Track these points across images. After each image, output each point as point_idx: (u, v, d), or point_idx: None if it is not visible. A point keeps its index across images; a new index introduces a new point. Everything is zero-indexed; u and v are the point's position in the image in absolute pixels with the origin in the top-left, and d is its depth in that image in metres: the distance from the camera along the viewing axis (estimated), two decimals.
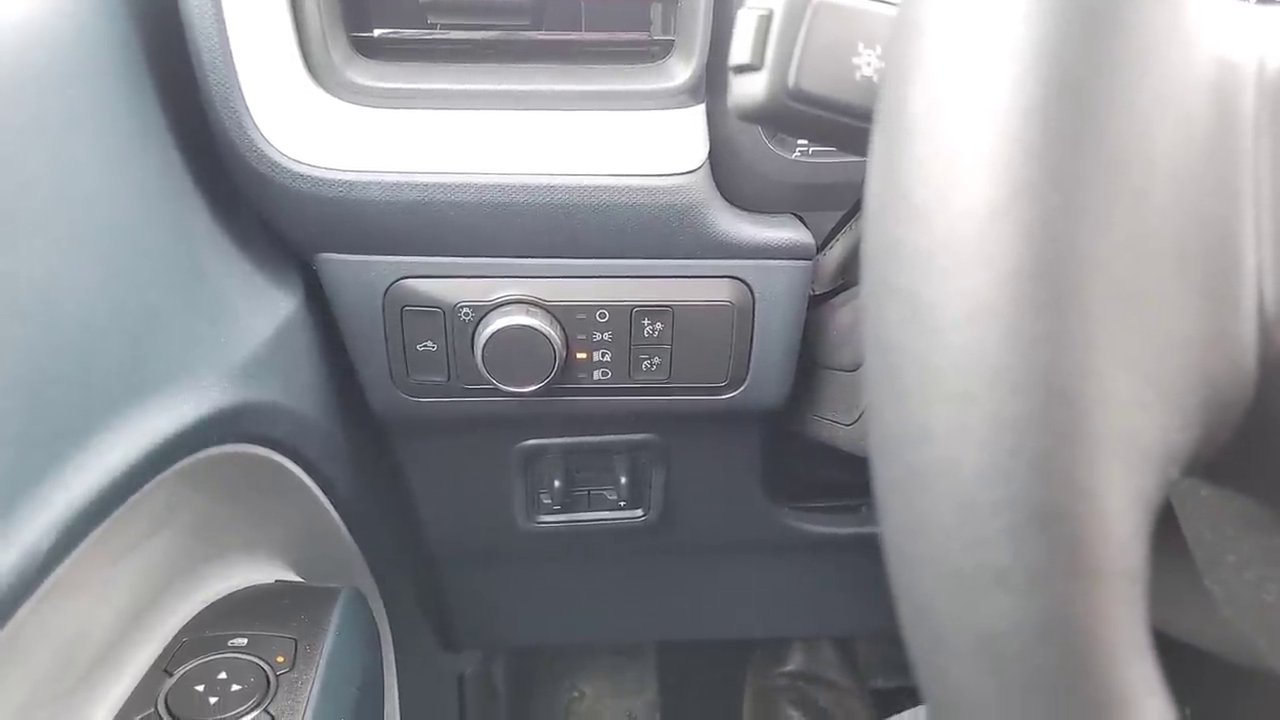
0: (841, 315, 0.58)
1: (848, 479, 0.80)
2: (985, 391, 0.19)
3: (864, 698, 1.18)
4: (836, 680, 1.18)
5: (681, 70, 0.51)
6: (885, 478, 0.21)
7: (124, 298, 0.40)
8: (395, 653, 0.76)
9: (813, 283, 0.58)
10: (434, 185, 0.51)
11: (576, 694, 1.24)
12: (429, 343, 0.56)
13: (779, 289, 0.56)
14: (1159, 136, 0.20)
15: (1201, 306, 0.21)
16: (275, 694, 0.49)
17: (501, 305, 0.55)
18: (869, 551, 0.83)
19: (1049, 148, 0.19)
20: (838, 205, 0.57)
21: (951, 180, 0.19)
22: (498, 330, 0.54)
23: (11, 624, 0.33)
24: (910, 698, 1.25)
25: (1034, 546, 0.18)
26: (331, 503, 0.60)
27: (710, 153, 0.53)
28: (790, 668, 1.19)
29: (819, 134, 0.33)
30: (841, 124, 0.32)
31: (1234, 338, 0.22)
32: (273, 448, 0.52)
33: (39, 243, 0.34)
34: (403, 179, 0.51)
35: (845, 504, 0.81)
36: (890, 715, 1.18)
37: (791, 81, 0.30)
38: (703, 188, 0.53)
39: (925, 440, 0.19)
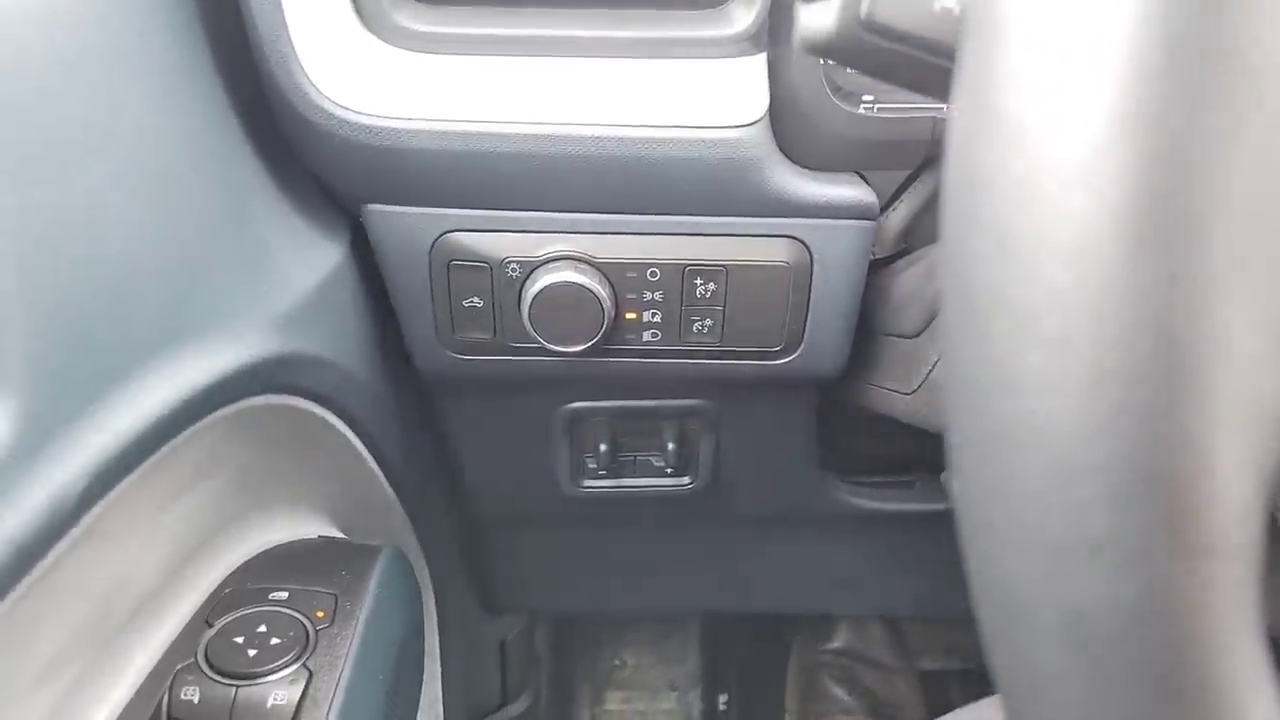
0: (904, 280, 0.56)
1: (902, 453, 0.78)
2: (1087, 337, 0.16)
3: (911, 679, 1.16)
4: (883, 660, 1.16)
5: (743, 16, 0.49)
6: (964, 434, 0.19)
7: (167, 240, 0.39)
8: (438, 615, 0.75)
9: (874, 246, 0.56)
10: (483, 134, 0.49)
11: (619, 662, 1.24)
12: (475, 299, 0.54)
13: (839, 250, 0.54)
14: None
15: None
16: (314, 649, 0.49)
17: (550, 261, 0.53)
18: (922, 530, 0.81)
19: (1171, 58, 0.16)
20: (903, 164, 0.54)
21: (1054, 95, 0.17)
22: (545, 287, 0.52)
23: (49, 567, 0.33)
24: (959, 681, 1.22)
25: (1137, 516, 0.16)
26: (375, 459, 0.59)
27: (771, 105, 0.51)
28: (836, 645, 1.17)
29: (891, 71, 0.31)
30: (917, 60, 0.30)
31: None
32: (316, 401, 0.51)
33: (80, 177, 0.34)
34: (451, 127, 0.49)
35: (899, 479, 0.78)
36: (937, 697, 1.16)
37: (865, 11, 0.28)
38: (762, 142, 0.51)
39: (1013, 391, 0.17)
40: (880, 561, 0.87)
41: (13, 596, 0.29)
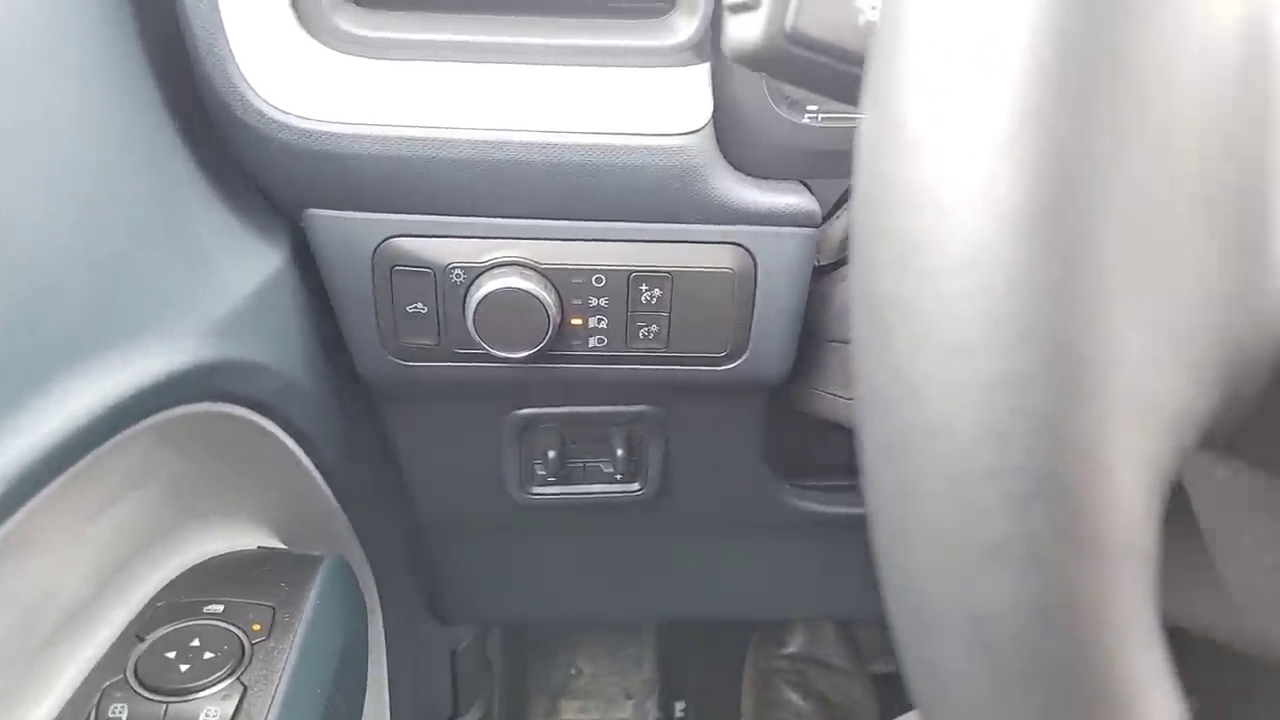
0: (846, 287, 0.56)
1: (851, 457, 0.78)
2: (982, 344, 0.16)
3: (864, 681, 1.17)
4: (837, 663, 1.16)
5: (685, 26, 0.49)
6: (870, 441, 0.19)
7: (94, 244, 0.38)
8: (385, 625, 0.74)
9: (817, 253, 0.56)
10: (426, 140, 0.49)
11: (574, 671, 1.23)
12: (419, 304, 0.54)
13: (783, 257, 0.54)
14: (1184, 67, 0.18)
15: (1226, 257, 0.19)
16: (250, 663, 0.47)
17: (494, 267, 0.53)
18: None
19: (1063, 72, 0.16)
20: (846, 173, 0.54)
21: (951, 106, 0.17)
22: (490, 293, 0.52)
23: None
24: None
25: (1034, 518, 0.16)
26: (317, 468, 0.58)
27: (714, 114, 0.51)
28: (790, 650, 1.18)
29: (816, 81, 0.31)
30: (841, 72, 0.30)
31: (1261, 294, 0.19)
32: (254, 409, 0.50)
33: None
34: (393, 132, 0.49)
35: (848, 483, 0.79)
36: (891, 699, 1.17)
37: (789, 23, 0.28)
38: (705, 149, 0.51)
39: (914, 399, 0.17)
40: (832, 565, 0.88)
41: None
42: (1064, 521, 0.16)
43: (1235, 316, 0.19)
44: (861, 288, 0.19)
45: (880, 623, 1.07)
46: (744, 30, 0.28)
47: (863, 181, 0.19)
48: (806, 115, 0.51)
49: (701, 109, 0.50)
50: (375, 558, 0.69)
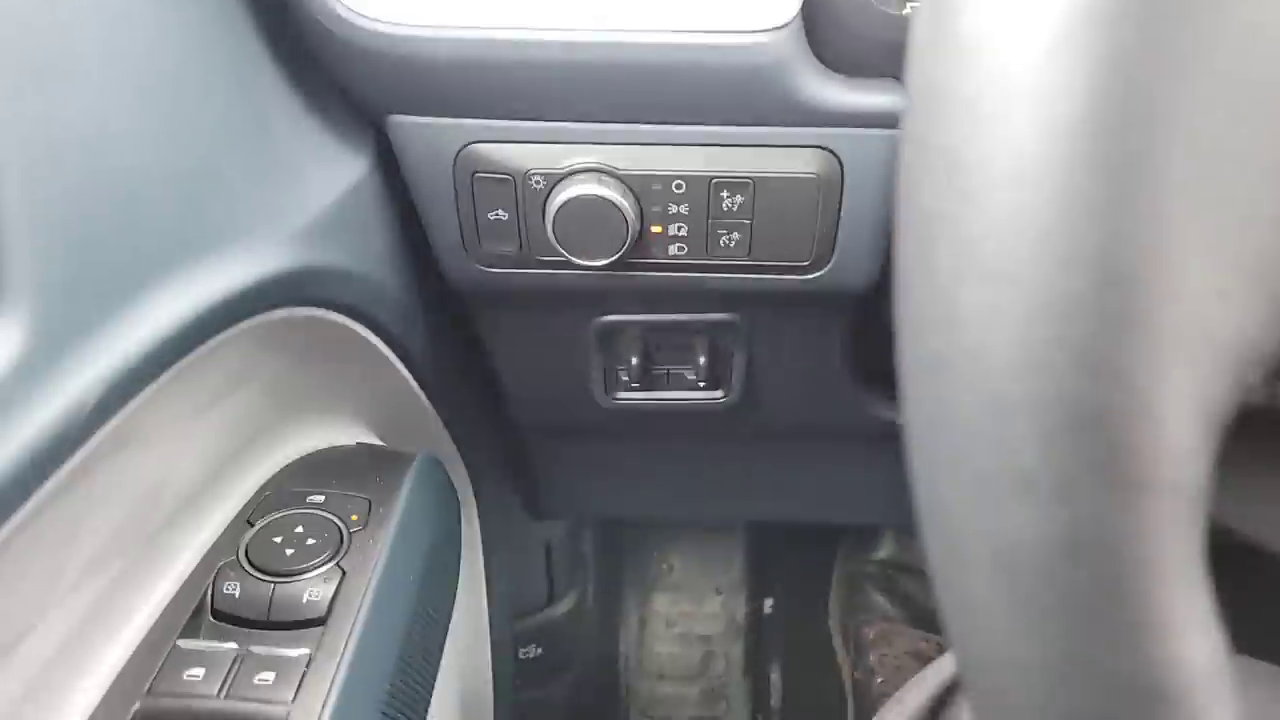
0: None
1: None
2: (1024, 267, 0.16)
3: None
4: (925, 569, 1.16)
5: None
6: (908, 365, 0.18)
7: (181, 152, 0.40)
8: (480, 519, 0.78)
9: None
10: (504, 42, 0.49)
11: (665, 566, 1.27)
12: (500, 211, 0.54)
13: (872, 162, 0.52)
14: None
15: None
16: (348, 550, 0.51)
17: (573, 174, 0.52)
18: None
19: None
20: None
21: (1002, 4, 0.16)
22: (569, 200, 0.52)
23: (80, 472, 0.34)
24: None
25: (1066, 450, 0.16)
26: (409, 370, 0.61)
27: (804, 7, 0.48)
28: (880, 555, 1.18)
29: None
30: None
31: None
32: (344, 313, 0.52)
33: (86, 86, 0.34)
34: (472, 34, 0.48)
35: None
36: None
37: None
38: (791, 46, 0.49)
39: (952, 324, 0.17)
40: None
41: (37, 500, 0.31)
42: (1098, 455, 0.16)
43: None
44: (905, 201, 0.18)
45: None
46: None
47: (912, 86, 0.18)
48: (908, 6, 0.48)
49: (788, 3, 0.48)
50: (469, 456, 0.72)
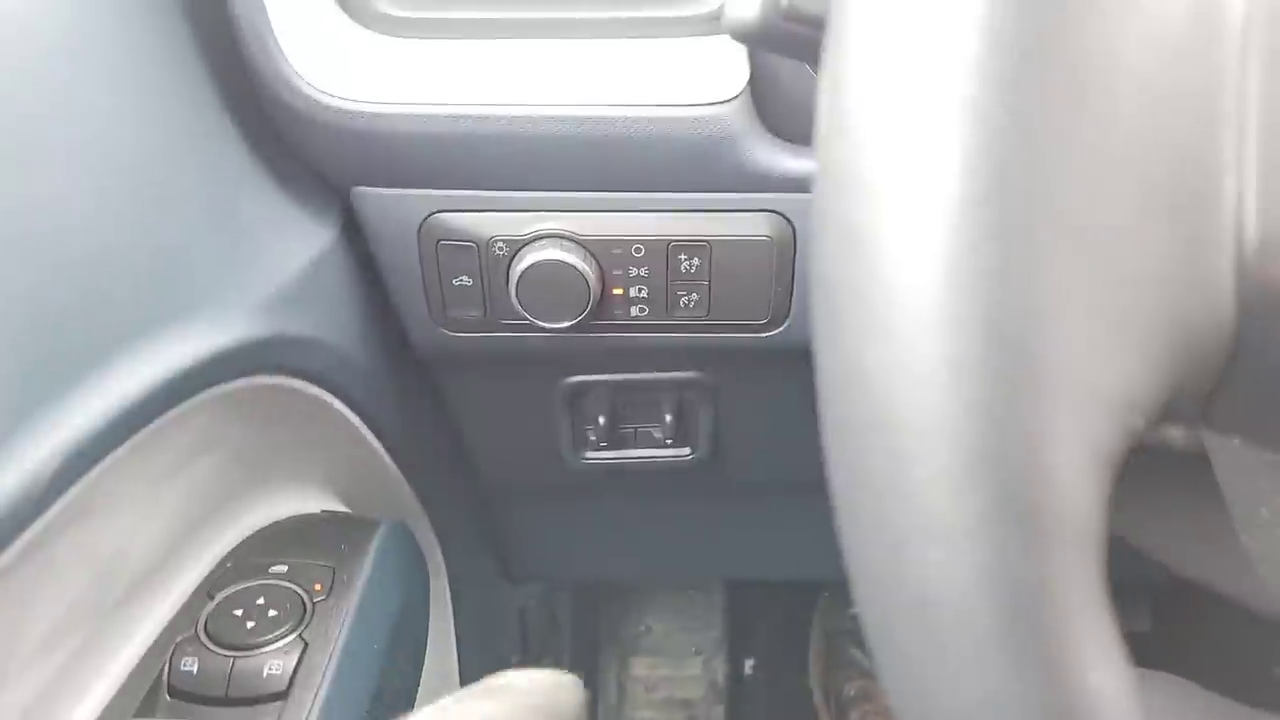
0: None
1: None
2: (918, 329, 0.17)
3: None
4: None
5: None
6: (826, 423, 0.19)
7: (146, 226, 0.40)
8: (450, 585, 0.77)
9: None
10: (465, 117, 0.50)
11: (643, 627, 1.25)
12: (464, 277, 0.55)
13: None
14: (1126, 46, 0.17)
15: (1170, 241, 0.18)
16: (311, 620, 0.50)
17: (535, 240, 0.54)
18: None
19: (992, 55, 0.16)
20: None
21: (886, 95, 0.17)
22: (531, 265, 0.53)
23: (37, 542, 0.34)
24: None
25: (968, 495, 0.17)
26: (376, 437, 0.61)
27: (752, 81, 0.50)
28: (857, 609, 1.18)
29: (813, 59, 0.31)
30: None
31: (1207, 276, 0.19)
32: (312, 381, 0.52)
33: (46, 170, 0.35)
34: (434, 110, 0.50)
35: None
36: None
37: (785, 0, 0.28)
38: (741, 118, 0.51)
39: (859, 383, 0.18)
40: None
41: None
42: (998, 497, 0.17)
43: (1183, 299, 0.19)
44: (815, 269, 0.19)
45: None
46: (741, 9, 0.28)
47: (818, 164, 0.19)
48: None
49: (737, 77, 0.50)
50: (438, 521, 0.72)
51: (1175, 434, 0.30)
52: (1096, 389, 0.17)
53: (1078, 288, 0.17)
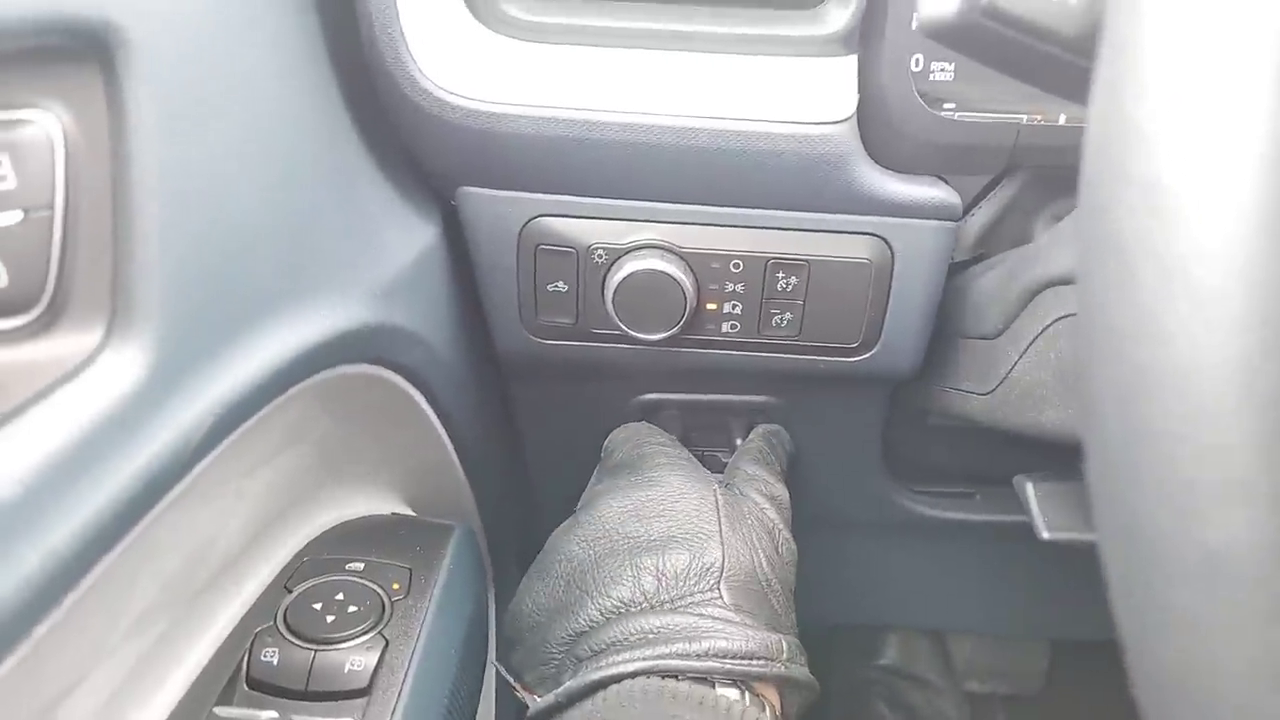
0: (983, 283, 0.56)
1: (964, 465, 0.77)
2: (1236, 285, 0.17)
3: (957, 699, 1.14)
4: (929, 678, 1.14)
5: (837, 17, 0.50)
6: (1101, 383, 0.19)
7: (286, 203, 0.40)
8: (496, 602, 0.76)
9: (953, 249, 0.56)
10: (578, 121, 0.51)
11: None
12: (560, 283, 0.55)
13: (921, 250, 0.54)
14: None
15: None
16: (390, 619, 0.49)
17: (636, 249, 0.54)
18: (981, 543, 0.80)
19: None
20: (986, 169, 0.55)
21: (1205, 53, 0.17)
22: (630, 274, 0.53)
23: (153, 521, 0.34)
24: (1005, 705, 1.20)
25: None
26: (451, 440, 0.60)
27: (859, 105, 0.51)
28: (883, 661, 1.16)
29: (1009, 60, 0.31)
30: (1035, 50, 0.30)
31: None
32: (403, 374, 0.52)
33: (217, 135, 0.35)
34: (548, 113, 0.50)
35: (961, 491, 0.78)
36: (982, 717, 1.14)
37: None
38: (849, 140, 0.51)
39: (1158, 339, 0.18)
40: (939, 574, 0.87)
41: (126, 540, 0.31)
42: None
43: None
44: (1099, 234, 0.19)
45: (976, 640, 1.05)
46: (939, 4, 0.29)
47: (1102, 128, 0.19)
48: (947, 108, 0.51)
49: (847, 100, 0.51)
50: (493, 535, 0.71)
51: None
52: None
53: None
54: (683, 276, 0.53)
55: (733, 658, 0.47)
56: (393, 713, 0.45)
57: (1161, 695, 0.19)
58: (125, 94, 0.29)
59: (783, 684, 0.50)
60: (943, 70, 0.51)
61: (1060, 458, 0.55)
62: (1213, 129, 0.17)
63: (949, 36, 0.29)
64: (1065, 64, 0.29)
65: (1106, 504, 0.20)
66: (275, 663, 0.46)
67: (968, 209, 0.56)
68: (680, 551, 0.50)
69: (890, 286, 0.55)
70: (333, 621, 0.48)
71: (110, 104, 0.29)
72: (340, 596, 0.50)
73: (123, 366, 0.29)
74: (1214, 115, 0.17)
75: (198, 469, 0.35)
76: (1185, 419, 0.17)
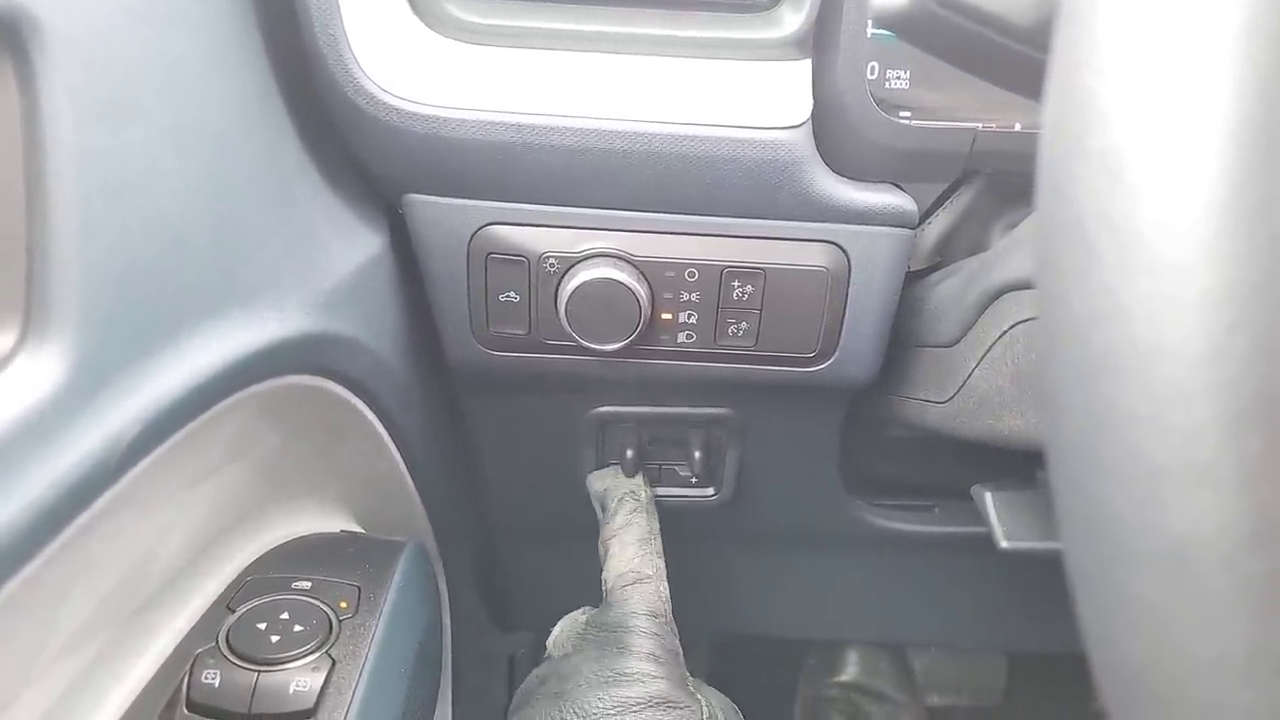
0: (941, 290, 0.56)
1: (922, 478, 0.77)
2: (1200, 260, 0.16)
3: (918, 714, 1.14)
4: (890, 694, 1.14)
5: (791, 20, 0.49)
6: (1062, 367, 0.18)
7: (218, 203, 0.39)
8: (450, 621, 0.74)
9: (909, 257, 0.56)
10: (528, 126, 0.50)
11: None
12: (511, 293, 0.54)
13: (878, 258, 0.54)
14: None
15: None
16: (338, 638, 0.48)
17: (588, 258, 0.53)
18: (940, 556, 0.80)
19: None
20: (942, 177, 0.55)
21: (1164, 20, 0.17)
22: (583, 283, 0.52)
23: (83, 530, 0.32)
24: (965, 717, 1.20)
25: (1250, 438, 0.16)
26: (400, 453, 0.59)
27: (814, 111, 0.51)
28: (843, 678, 1.16)
29: (961, 51, 0.31)
30: (989, 42, 0.30)
31: None
32: (348, 386, 0.51)
33: (141, 127, 0.33)
34: (496, 118, 0.49)
35: (919, 504, 0.78)
36: None
37: None
38: (804, 145, 0.51)
39: (1119, 318, 0.17)
40: (897, 588, 0.86)
41: (55, 544, 0.29)
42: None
43: None
44: (1057, 211, 0.18)
45: (935, 654, 1.05)
46: None
47: (1060, 100, 0.19)
48: (904, 114, 0.51)
49: (802, 105, 0.51)
50: (446, 553, 0.69)
51: None
52: None
53: None
54: (637, 286, 0.52)
55: None
56: None
57: (1127, 691, 0.18)
58: (39, 83, 0.28)
59: None
60: (898, 78, 0.51)
61: (1019, 469, 0.55)
62: (1173, 98, 0.17)
63: (903, 26, 0.29)
64: (1020, 57, 0.29)
65: (1068, 493, 0.19)
66: (217, 684, 0.45)
67: (924, 216, 0.56)
68: None
69: (847, 295, 0.55)
70: (277, 641, 0.47)
71: (23, 93, 0.27)
72: (285, 616, 0.48)
73: (40, 369, 0.27)
74: (1174, 84, 0.17)
75: (128, 478, 0.34)
76: (1147, 400, 0.17)
